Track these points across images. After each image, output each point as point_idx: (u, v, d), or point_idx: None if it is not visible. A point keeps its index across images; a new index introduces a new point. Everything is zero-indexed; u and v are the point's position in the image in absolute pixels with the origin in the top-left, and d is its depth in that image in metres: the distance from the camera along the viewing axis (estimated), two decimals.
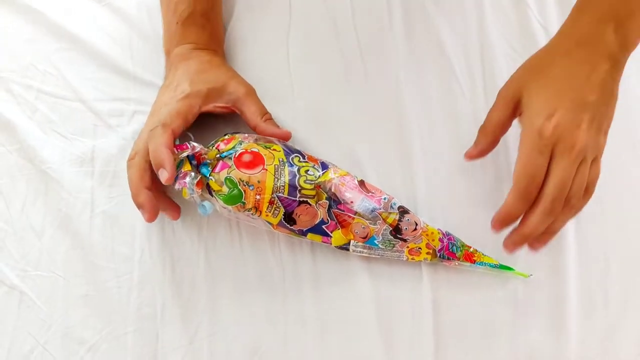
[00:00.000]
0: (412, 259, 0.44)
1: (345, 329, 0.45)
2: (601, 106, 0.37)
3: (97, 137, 0.51)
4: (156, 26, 0.53)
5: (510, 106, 0.40)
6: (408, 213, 0.44)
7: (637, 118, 0.49)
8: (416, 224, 0.43)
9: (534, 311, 0.45)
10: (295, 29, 0.52)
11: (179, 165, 0.41)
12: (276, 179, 0.41)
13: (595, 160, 0.38)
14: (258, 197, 0.41)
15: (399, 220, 0.43)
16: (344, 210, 0.42)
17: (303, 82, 0.51)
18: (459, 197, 0.48)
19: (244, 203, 0.41)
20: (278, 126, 0.47)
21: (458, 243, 0.45)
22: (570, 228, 0.46)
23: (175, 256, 0.47)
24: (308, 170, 0.42)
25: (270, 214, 0.42)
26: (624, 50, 0.38)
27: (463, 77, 0.50)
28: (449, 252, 0.44)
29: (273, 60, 0.52)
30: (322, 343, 0.45)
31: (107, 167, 0.50)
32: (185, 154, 0.41)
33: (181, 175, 0.41)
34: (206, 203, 0.42)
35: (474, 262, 0.44)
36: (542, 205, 0.37)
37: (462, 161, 0.45)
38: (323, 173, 0.43)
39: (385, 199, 0.43)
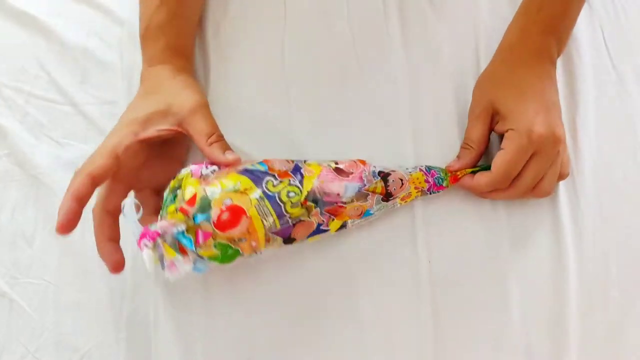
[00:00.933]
0: (404, 202, 0.45)
1: (345, 328, 0.45)
2: (559, 103, 0.44)
3: (89, 141, 0.50)
4: None
5: (487, 120, 0.44)
6: (390, 174, 0.43)
7: (636, 124, 0.49)
8: (401, 180, 0.44)
9: (533, 314, 0.45)
10: (290, 29, 0.51)
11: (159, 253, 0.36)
12: (264, 220, 0.38)
13: (564, 149, 0.44)
14: (254, 243, 0.38)
15: (386, 185, 0.43)
16: (334, 204, 0.41)
17: (298, 83, 0.50)
18: (453, 200, 0.47)
19: (242, 255, 0.38)
20: (228, 147, 0.41)
21: (441, 173, 0.45)
22: (569, 231, 0.46)
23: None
24: (289, 192, 0.39)
25: (269, 247, 0.39)
26: (559, 56, 0.46)
27: (459, 81, 0.49)
28: (437, 187, 0.45)
29: (267, 61, 0.51)
30: (318, 353, 0.44)
31: None
32: (158, 245, 0.36)
33: (168, 264, 0.36)
34: (199, 264, 0.38)
35: (459, 179, 0.45)
36: (511, 192, 0.43)
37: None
38: (301, 184, 0.40)
39: (364, 172, 0.43)
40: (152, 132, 0.41)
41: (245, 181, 0.38)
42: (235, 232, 0.36)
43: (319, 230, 0.42)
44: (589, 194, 0.47)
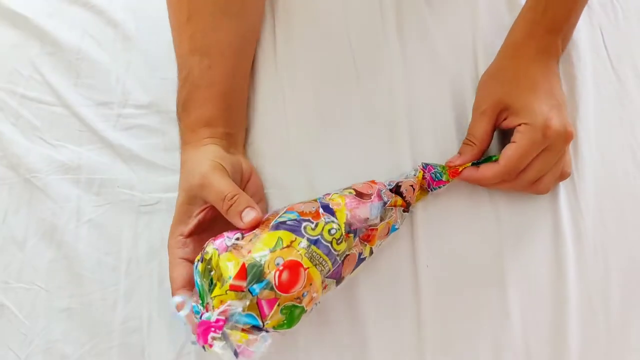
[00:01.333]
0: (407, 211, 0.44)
1: (343, 331, 0.44)
2: (566, 101, 0.45)
3: (83, 143, 0.49)
4: (141, 29, 0.52)
5: (493, 117, 0.44)
6: (400, 185, 0.43)
7: (635, 125, 0.49)
8: (412, 187, 0.43)
9: (533, 317, 0.44)
10: (281, 29, 0.50)
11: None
12: (318, 267, 0.35)
13: (567, 148, 0.44)
14: (314, 294, 0.36)
15: (403, 197, 0.43)
16: (365, 229, 0.40)
17: (293, 85, 0.49)
18: (452, 202, 0.46)
19: (306, 311, 0.36)
20: (247, 203, 0.38)
21: (439, 168, 0.45)
22: (568, 234, 0.45)
23: (164, 267, 0.45)
24: (330, 230, 0.37)
25: (325, 292, 0.38)
26: (562, 53, 0.47)
27: (456, 80, 0.49)
28: (436, 182, 0.44)
29: (261, 64, 0.50)
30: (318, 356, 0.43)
31: (93, 175, 0.48)
32: (224, 332, 0.33)
33: (242, 350, 0.33)
34: (261, 340, 0.34)
35: (459, 173, 0.44)
36: (514, 184, 0.43)
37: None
38: (335, 218, 0.38)
39: (381, 191, 0.42)
40: (193, 224, 0.40)
41: (285, 234, 0.36)
42: (298, 288, 0.34)
43: (360, 261, 0.40)
44: (589, 195, 0.46)
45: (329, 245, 0.36)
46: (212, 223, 0.41)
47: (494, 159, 0.44)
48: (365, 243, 0.40)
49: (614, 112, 0.49)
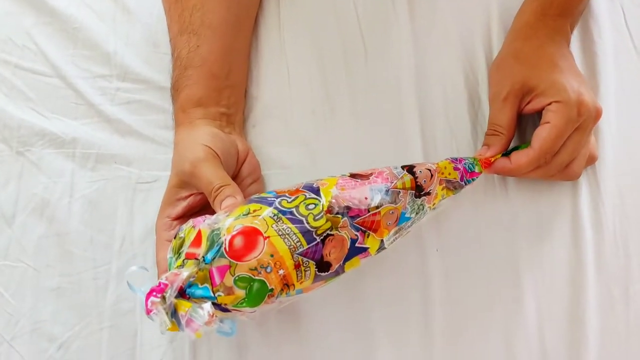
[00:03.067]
0: (433, 205, 0.39)
1: (345, 328, 0.42)
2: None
3: (79, 116, 0.47)
4: (142, 3, 0.50)
5: (517, 102, 0.42)
6: (414, 166, 0.39)
7: None
8: (429, 171, 0.38)
9: (549, 307, 0.42)
10: (286, 6, 0.48)
11: (170, 313, 0.30)
12: (285, 239, 0.31)
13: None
14: (282, 271, 0.31)
15: (415, 178, 0.38)
16: (365, 214, 0.35)
17: (299, 64, 0.48)
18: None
19: (271, 290, 0.31)
20: (234, 192, 0.36)
21: (469, 160, 0.41)
22: (588, 221, 0.44)
23: None
24: (307, 205, 0.33)
25: (302, 279, 0.32)
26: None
27: (468, 61, 0.47)
28: (470, 173, 0.40)
29: (265, 42, 0.48)
30: (315, 342, 0.42)
31: (89, 149, 0.46)
32: (168, 298, 0.29)
33: (185, 320, 0.29)
34: (226, 323, 0.31)
35: (491, 163, 0.41)
36: (547, 169, 0.41)
37: (468, 147, 0.44)
38: (318, 195, 0.34)
39: (385, 172, 0.37)
40: (181, 207, 0.39)
41: (254, 205, 0.33)
42: (254, 256, 0.30)
43: (356, 250, 0.35)
44: (610, 179, 0.44)
45: (304, 219, 0.32)
46: (202, 209, 0.40)
47: (522, 147, 0.41)
48: (367, 231, 0.35)
49: (635, 90, 0.47)
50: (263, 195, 0.35)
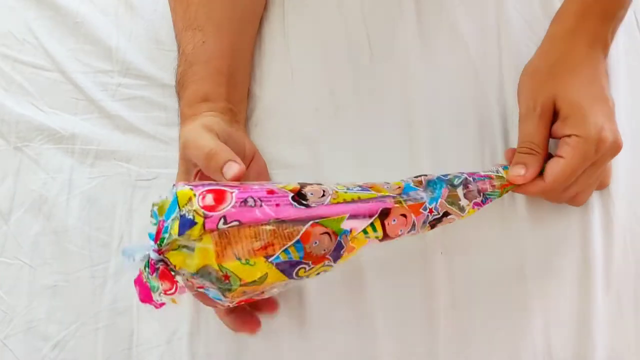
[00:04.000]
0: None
1: (343, 330, 0.41)
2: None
3: (79, 112, 0.46)
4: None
5: (550, 119, 0.39)
6: (442, 220, 0.36)
7: None
8: (452, 219, 0.36)
9: (557, 316, 0.41)
10: (291, 2, 0.48)
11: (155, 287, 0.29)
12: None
13: None
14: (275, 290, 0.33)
15: (433, 227, 0.36)
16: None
17: (302, 62, 0.47)
18: None
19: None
20: (229, 157, 0.34)
21: (496, 193, 0.38)
22: (598, 229, 0.43)
23: None
24: (319, 273, 0.32)
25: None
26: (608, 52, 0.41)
27: (478, 60, 0.46)
28: (485, 204, 0.38)
29: (268, 39, 0.47)
30: (316, 340, 0.41)
31: (88, 145, 0.45)
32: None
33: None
34: (211, 294, 0.31)
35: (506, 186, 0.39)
36: (554, 197, 0.40)
37: (474, 149, 0.43)
38: (337, 262, 0.32)
39: (413, 230, 0.35)
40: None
41: (272, 276, 0.30)
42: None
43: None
44: (621, 183, 0.43)
45: (298, 278, 0.31)
46: None
47: None
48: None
49: None
50: (290, 254, 0.30)
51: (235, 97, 0.43)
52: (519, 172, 0.39)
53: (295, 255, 0.30)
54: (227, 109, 0.41)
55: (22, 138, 0.46)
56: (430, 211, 0.35)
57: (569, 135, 0.37)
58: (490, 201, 0.39)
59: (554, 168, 0.37)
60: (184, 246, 0.29)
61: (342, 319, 0.41)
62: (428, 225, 0.36)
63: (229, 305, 0.31)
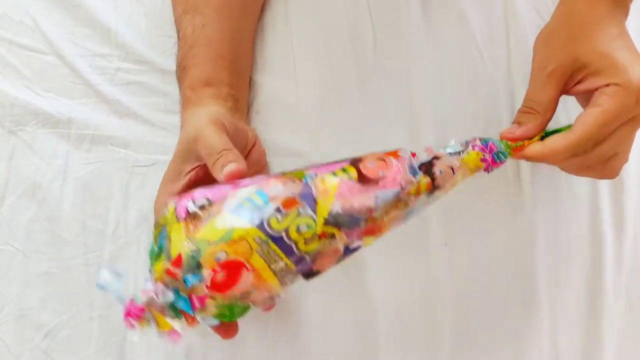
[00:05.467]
0: (445, 192, 0.35)
1: (342, 326, 0.40)
2: None
3: (75, 96, 0.45)
4: None
5: (563, 80, 0.36)
6: (434, 164, 0.34)
7: None
8: (452, 169, 0.34)
9: (564, 312, 0.40)
10: None
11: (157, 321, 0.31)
12: (272, 266, 0.30)
13: None
14: (266, 293, 0.31)
15: (433, 179, 0.33)
16: (365, 222, 0.32)
17: (304, 49, 0.46)
18: (474, 187, 0.42)
19: (255, 305, 0.32)
20: (234, 158, 0.34)
21: (502, 146, 0.36)
22: (608, 223, 0.42)
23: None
24: (299, 226, 0.30)
25: (288, 287, 0.32)
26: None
27: (485, 47, 0.45)
28: (496, 163, 0.36)
29: (270, 25, 0.46)
30: (313, 341, 0.40)
31: (84, 130, 0.44)
32: (147, 320, 0.31)
33: (168, 335, 0.30)
34: (210, 322, 0.31)
35: (522, 149, 0.36)
36: (584, 159, 0.35)
37: (477, 132, 0.41)
38: (314, 211, 0.31)
39: (399, 174, 0.33)
40: (182, 183, 0.36)
41: (238, 225, 0.30)
42: (237, 290, 0.29)
43: (349, 251, 0.32)
44: (634, 179, 0.42)
45: (293, 245, 0.30)
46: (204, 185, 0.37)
47: (562, 130, 0.36)
48: (363, 237, 0.32)
49: None
50: (254, 197, 0.31)
51: (237, 82, 0.42)
52: (509, 130, 0.36)
53: (258, 200, 0.30)
54: (229, 96, 0.41)
55: (17, 122, 0.45)
56: (413, 155, 0.34)
57: (607, 85, 0.34)
58: (502, 163, 0.36)
59: (586, 117, 0.34)
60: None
61: (341, 315, 0.40)
62: (425, 176, 0.33)
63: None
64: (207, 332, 0.34)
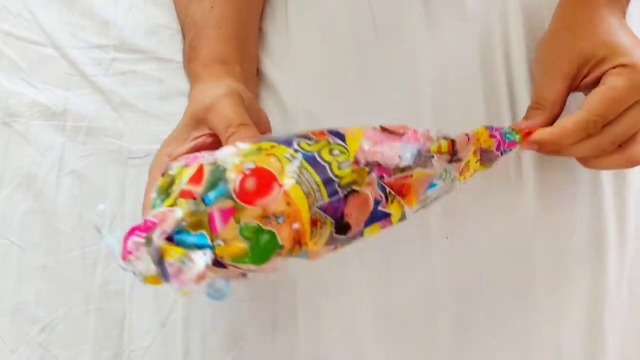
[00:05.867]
0: (464, 178, 0.34)
1: (340, 319, 0.40)
2: None
3: (71, 87, 0.45)
4: None
5: (570, 75, 0.37)
6: (448, 133, 0.33)
7: None
8: (467, 136, 0.33)
9: (566, 306, 0.40)
10: None
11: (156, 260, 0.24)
12: (304, 187, 0.26)
13: None
14: (296, 225, 0.26)
15: (453, 142, 0.32)
16: (395, 175, 0.30)
17: (303, 40, 0.45)
18: (475, 185, 0.41)
19: (281, 247, 0.26)
20: (252, 133, 0.33)
21: (506, 129, 0.36)
22: (611, 216, 0.41)
23: None
24: (332, 150, 0.28)
25: (317, 237, 0.27)
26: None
27: (485, 37, 0.44)
28: (507, 143, 0.35)
29: (270, 16, 0.46)
30: (315, 333, 0.39)
31: (80, 122, 0.44)
32: (155, 240, 0.23)
33: (174, 270, 0.23)
34: (218, 282, 0.25)
35: (531, 133, 0.36)
36: (597, 141, 0.34)
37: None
38: (344, 142, 0.29)
39: (419, 132, 0.32)
40: (187, 147, 0.34)
41: (266, 144, 0.27)
42: (267, 201, 0.25)
43: (377, 215, 0.30)
44: (637, 174, 0.41)
45: (327, 165, 0.27)
46: None
47: None
48: (394, 195, 0.30)
49: None
50: (278, 136, 0.29)
51: (248, 66, 0.42)
52: (517, 122, 0.37)
53: (284, 137, 0.28)
54: (242, 77, 0.40)
55: (12, 114, 0.44)
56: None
57: (613, 67, 0.34)
58: (513, 144, 0.35)
59: (594, 95, 0.34)
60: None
61: (340, 308, 0.39)
62: (443, 139, 0.32)
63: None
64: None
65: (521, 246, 0.41)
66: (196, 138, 0.34)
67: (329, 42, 0.45)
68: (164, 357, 0.39)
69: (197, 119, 0.34)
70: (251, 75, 0.42)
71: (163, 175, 0.27)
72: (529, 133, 0.36)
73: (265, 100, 0.44)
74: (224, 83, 0.36)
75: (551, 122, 0.36)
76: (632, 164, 0.36)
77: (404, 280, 0.40)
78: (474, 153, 0.34)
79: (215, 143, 0.34)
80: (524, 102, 0.43)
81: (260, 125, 0.38)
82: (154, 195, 0.27)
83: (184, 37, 0.42)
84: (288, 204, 0.25)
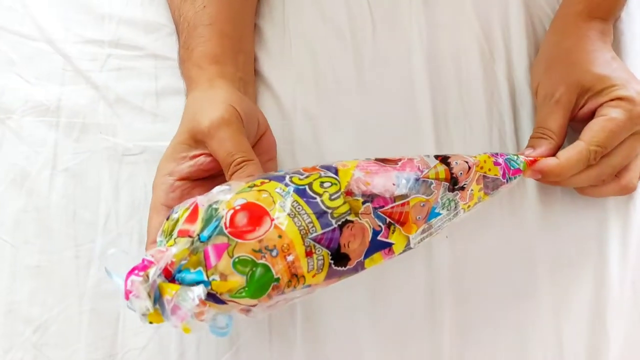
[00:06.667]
0: (468, 207, 0.34)
1: (339, 321, 0.39)
2: None
3: (65, 83, 0.44)
4: None
5: (570, 106, 0.38)
6: (449, 157, 0.33)
7: None
8: (467, 163, 0.33)
9: (568, 306, 0.39)
10: None
11: (154, 296, 0.25)
12: (296, 219, 0.27)
13: None
14: (290, 257, 0.26)
15: (451, 169, 0.33)
16: (391, 204, 0.30)
17: (301, 37, 0.44)
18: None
19: (277, 280, 0.26)
20: (257, 170, 0.32)
21: (511, 155, 0.37)
22: (613, 219, 0.40)
23: (145, 225, 0.40)
24: (322, 183, 0.28)
25: (314, 270, 0.27)
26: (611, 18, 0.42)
27: (483, 34, 0.44)
28: (512, 170, 0.36)
29: (265, 10, 0.45)
30: (315, 336, 0.39)
31: (74, 119, 0.43)
32: (152, 277, 0.25)
33: (170, 306, 0.24)
34: (220, 318, 0.27)
35: (535, 162, 0.37)
36: (597, 171, 0.37)
37: (481, 122, 0.42)
38: (336, 175, 0.29)
39: (415, 159, 0.33)
40: (187, 165, 0.33)
41: (257, 183, 0.28)
42: (259, 235, 0.25)
43: (377, 245, 0.30)
44: None
45: (318, 197, 0.27)
46: (212, 177, 0.34)
47: None
48: (393, 224, 0.30)
49: None
50: (271, 173, 0.30)
51: (244, 64, 0.41)
52: (527, 153, 0.38)
53: (277, 173, 0.29)
54: (237, 78, 0.39)
55: (5, 110, 0.43)
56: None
57: (611, 100, 0.36)
58: (518, 172, 0.36)
59: (592, 126, 0.36)
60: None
61: (335, 310, 0.39)
62: (441, 164, 0.32)
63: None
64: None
65: (522, 246, 0.40)
66: (195, 157, 0.34)
67: (327, 40, 0.44)
68: (158, 358, 0.39)
69: (195, 140, 0.34)
70: (248, 74, 0.42)
71: (167, 219, 0.28)
72: (533, 161, 0.37)
73: (263, 99, 0.43)
74: (219, 93, 0.35)
75: (555, 152, 0.37)
76: (627, 191, 0.38)
77: (404, 281, 0.39)
78: (477, 181, 0.34)
79: (215, 162, 0.33)
80: (524, 97, 0.43)
81: (259, 133, 0.38)
82: (159, 237, 0.28)
83: (178, 38, 0.41)
84: (280, 236, 0.26)
